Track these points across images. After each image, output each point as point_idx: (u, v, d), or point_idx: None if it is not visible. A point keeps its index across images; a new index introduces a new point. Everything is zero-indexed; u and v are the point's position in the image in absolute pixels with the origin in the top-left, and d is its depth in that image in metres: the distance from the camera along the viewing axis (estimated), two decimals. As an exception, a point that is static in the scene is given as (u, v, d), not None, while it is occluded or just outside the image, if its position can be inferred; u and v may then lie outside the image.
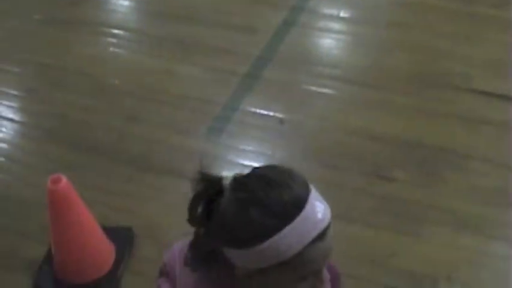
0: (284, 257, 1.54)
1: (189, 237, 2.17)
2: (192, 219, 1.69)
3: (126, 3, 4.89)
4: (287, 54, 4.29)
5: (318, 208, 1.56)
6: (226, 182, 1.63)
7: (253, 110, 3.84)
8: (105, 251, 2.95)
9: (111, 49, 4.44)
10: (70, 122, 3.85)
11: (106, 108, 3.93)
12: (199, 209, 1.66)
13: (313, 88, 4.01)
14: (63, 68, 4.30)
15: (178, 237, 2.26)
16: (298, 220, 1.53)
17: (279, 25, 4.45)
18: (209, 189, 1.64)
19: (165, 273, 2.31)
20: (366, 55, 4.33)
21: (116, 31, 4.55)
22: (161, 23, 4.60)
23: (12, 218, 3.26)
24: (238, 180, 1.62)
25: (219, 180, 1.65)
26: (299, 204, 1.54)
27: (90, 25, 4.64)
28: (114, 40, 4.50)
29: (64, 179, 2.65)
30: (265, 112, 3.82)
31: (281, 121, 3.75)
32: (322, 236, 1.55)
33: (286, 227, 1.52)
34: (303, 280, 1.64)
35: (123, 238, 3.04)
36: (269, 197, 1.54)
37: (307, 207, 1.54)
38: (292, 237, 1.53)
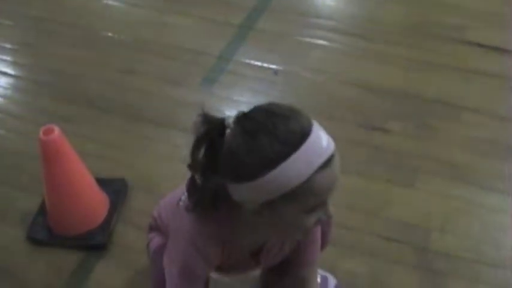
0: (293, 184, 1.58)
1: (177, 189, 2.18)
2: (193, 163, 1.70)
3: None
4: (282, 6, 4.26)
5: (322, 137, 1.63)
6: (229, 121, 1.66)
7: (247, 61, 3.82)
8: (98, 202, 2.95)
9: (104, 1, 4.41)
10: (63, 74, 3.83)
11: (100, 60, 3.91)
12: (202, 152, 1.68)
13: (308, 39, 3.99)
14: (56, 20, 4.27)
15: (171, 188, 2.27)
16: (305, 146, 1.58)
17: (273, -24, 4.43)
18: (212, 130, 1.66)
19: (154, 227, 2.32)
20: (361, 6, 4.31)
21: (108, -18, 4.52)
22: (155, -26, 4.57)
23: (6, 170, 3.25)
24: (242, 115, 1.65)
25: (221, 120, 1.67)
26: (304, 132, 1.60)
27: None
28: (107, -8, 4.48)
29: (56, 130, 2.63)
30: (260, 63, 3.80)
31: (275, 72, 3.73)
32: (328, 163, 1.60)
33: (294, 153, 1.57)
34: (311, 213, 1.70)
35: (116, 189, 3.03)
36: (276, 126, 1.59)
37: (312, 135, 1.60)
38: (300, 163, 1.57)
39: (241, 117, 1.65)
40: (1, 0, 4.43)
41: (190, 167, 1.72)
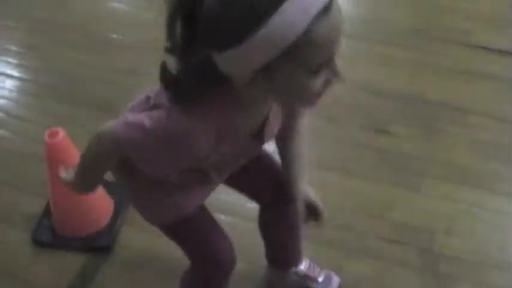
0: (289, 40, 1.35)
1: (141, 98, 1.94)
2: (171, 43, 1.47)
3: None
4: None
5: None
6: None
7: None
8: (103, 205, 2.95)
9: (109, 4, 4.41)
10: (69, 77, 3.84)
11: (105, 62, 3.92)
12: (179, 25, 1.46)
13: (312, 42, 3.99)
14: (62, 23, 4.29)
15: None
16: None
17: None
18: None
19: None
20: (366, 9, 4.32)
21: (113, -15, 4.53)
22: (159, -23, 4.57)
23: (11, 172, 3.26)
24: None
25: None
26: None
27: (87, -20, 4.63)
28: (111, -6, 4.49)
29: (62, 133, 2.64)
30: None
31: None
32: (326, 9, 1.38)
33: (285, 1, 1.33)
34: (316, 74, 1.47)
35: (120, 192, 3.03)
36: None
37: None
38: (293, 13, 1.33)
39: None
40: (6, 2, 4.45)
41: (168, 49, 1.48)
